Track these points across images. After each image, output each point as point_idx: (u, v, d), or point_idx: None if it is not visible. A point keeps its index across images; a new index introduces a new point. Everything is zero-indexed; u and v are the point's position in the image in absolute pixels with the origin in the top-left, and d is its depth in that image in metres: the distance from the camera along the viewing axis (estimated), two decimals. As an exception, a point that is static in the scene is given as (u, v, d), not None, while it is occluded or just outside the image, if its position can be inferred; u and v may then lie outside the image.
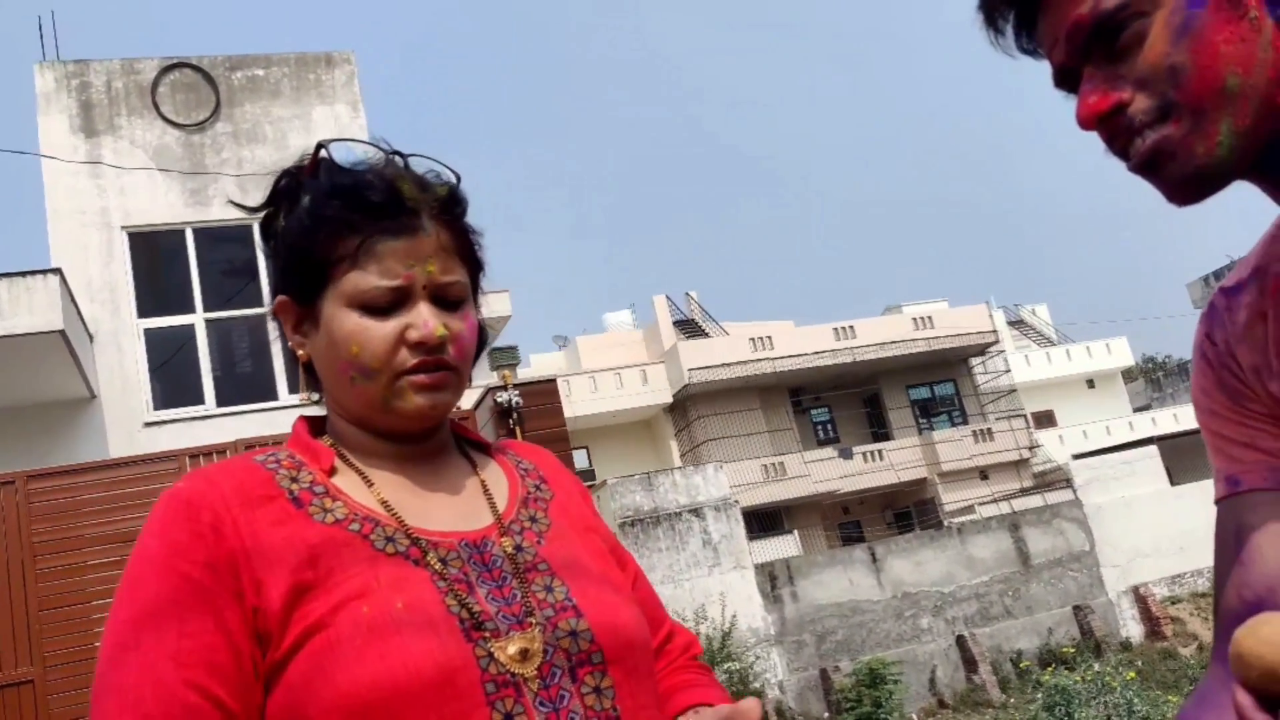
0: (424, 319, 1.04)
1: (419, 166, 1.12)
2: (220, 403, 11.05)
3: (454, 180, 1.13)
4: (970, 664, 15.83)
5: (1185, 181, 0.83)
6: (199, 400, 11.02)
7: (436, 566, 1.00)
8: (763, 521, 25.99)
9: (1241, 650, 0.75)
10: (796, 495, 27.64)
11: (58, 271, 9.22)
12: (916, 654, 15.77)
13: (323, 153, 1.10)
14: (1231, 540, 0.94)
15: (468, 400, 8.55)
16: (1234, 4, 0.80)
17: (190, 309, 11.24)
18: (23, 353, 9.13)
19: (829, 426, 31.23)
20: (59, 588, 6.42)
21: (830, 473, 28.26)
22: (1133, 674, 12.37)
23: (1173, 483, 18.93)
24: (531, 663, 0.96)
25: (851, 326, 29.72)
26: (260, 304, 10.85)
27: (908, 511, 29.91)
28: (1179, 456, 20.96)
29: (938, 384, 31.56)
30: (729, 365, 28.05)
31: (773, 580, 15.44)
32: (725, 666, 13.27)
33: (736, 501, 15.82)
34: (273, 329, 1.15)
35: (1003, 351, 32.83)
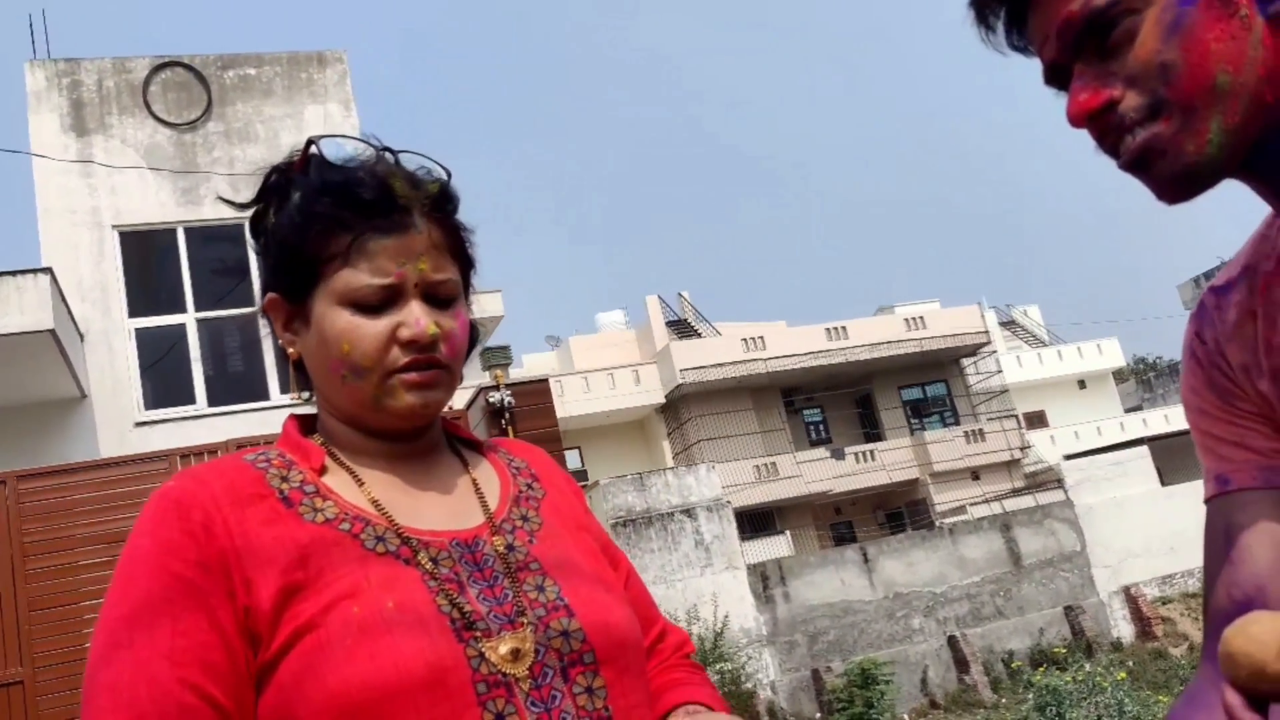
0: (416, 317, 1.04)
1: (410, 163, 1.11)
2: (211, 402, 11.03)
3: (445, 177, 1.12)
4: (962, 664, 15.86)
5: (1175, 179, 0.83)
6: (190, 400, 11.00)
7: (427, 566, 0.99)
8: (755, 522, 26.01)
9: (1231, 650, 0.75)
10: (788, 495, 27.68)
11: (48, 271, 9.19)
12: (908, 654, 15.79)
13: (313, 149, 1.09)
14: (1221, 539, 0.94)
15: (460, 400, 8.54)
16: (1224, 2, 0.79)
17: (181, 308, 11.21)
18: (13, 352, 9.09)
19: (821, 427, 31.26)
20: (49, 588, 6.40)
21: (822, 473, 28.29)
22: (1124, 674, 12.38)
23: (1163, 483, 18.98)
24: (523, 663, 0.96)
25: (844, 327, 29.76)
26: (252, 304, 10.82)
27: (899, 512, 29.96)
28: (1170, 457, 21.03)
29: (930, 384, 31.63)
30: (721, 365, 28.07)
31: (765, 580, 15.45)
32: (717, 667, 13.26)
33: (729, 502, 15.84)
34: (263, 326, 1.14)
35: (994, 352, 32.89)
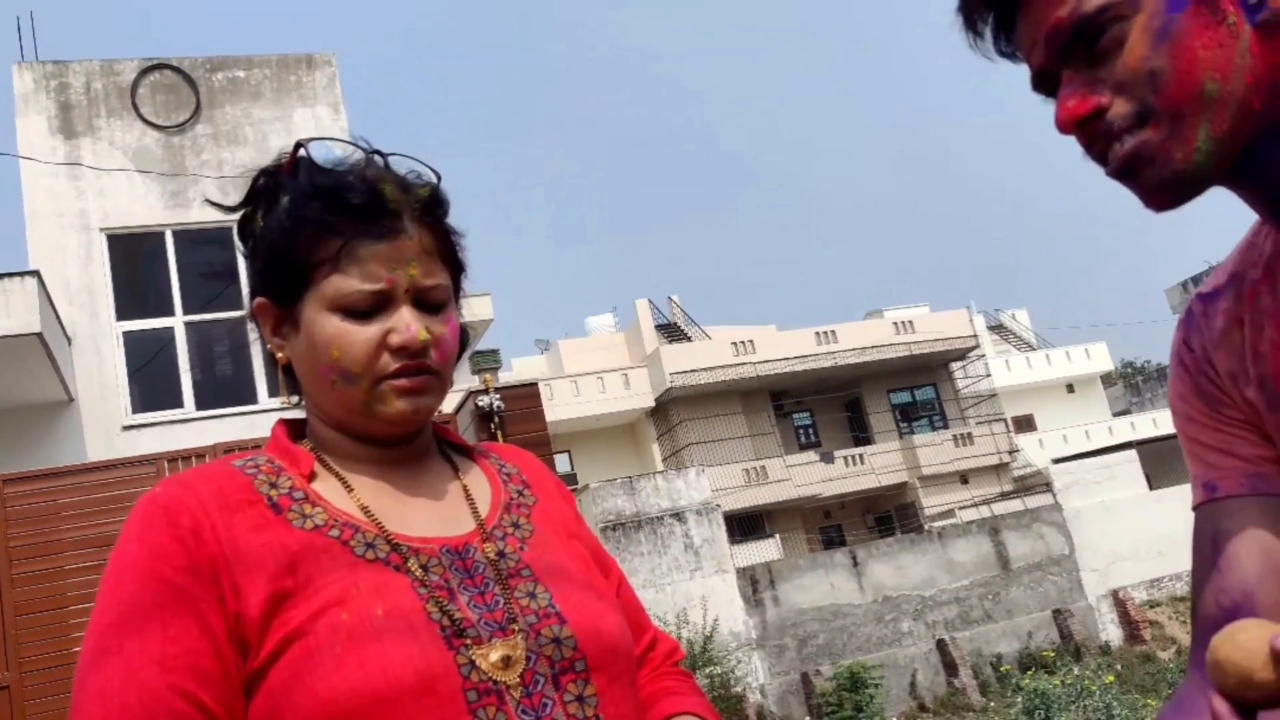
0: (406, 323, 1.03)
1: (399, 166, 1.10)
2: (200, 406, 10.99)
3: (435, 180, 1.11)
4: (950, 668, 15.87)
5: (1163, 187, 0.83)
6: (178, 404, 10.95)
7: (417, 573, 0.98)
8: (744, 525, 26.01)
9: (1218, 657, 0.75)
10: (778, 499, 27.70)
11: (35, 274, 9.14)
12: (897, 658, 15.80)
13: (301, 152, 1.08)
14: (1209, 546, 0.94)
15: (449, 403, 8.53)
16: (1212, 9, 0.80)
17: (170, 312, 11.17)
18: (0, 356, 9.05)
19: (810, 430, 31.30)
20: (36, 593, 6.37)
21: (811, 476, 28.32)
22: (1112, 677, 12.43)
23: (1151, 487, 19.03)
24: (514, 670, 0.95)
25: (833, 331, 29.81)
26: (240, 307, 10.78)
27: (888, 515, 29.99)
28: (1158, 461, 21.08)
29: (918, 388, 31.69)
30: (711, 369, 28.08)
31: (754, 584, 15.44)
32: (707, 671, 13.25)
33: (718, 505, 15.82)
34: (251, 330, 1.13)
35: (983, 356, 33.00)
